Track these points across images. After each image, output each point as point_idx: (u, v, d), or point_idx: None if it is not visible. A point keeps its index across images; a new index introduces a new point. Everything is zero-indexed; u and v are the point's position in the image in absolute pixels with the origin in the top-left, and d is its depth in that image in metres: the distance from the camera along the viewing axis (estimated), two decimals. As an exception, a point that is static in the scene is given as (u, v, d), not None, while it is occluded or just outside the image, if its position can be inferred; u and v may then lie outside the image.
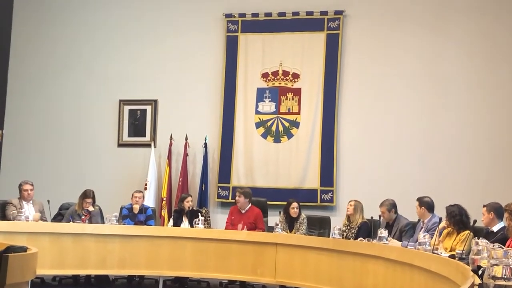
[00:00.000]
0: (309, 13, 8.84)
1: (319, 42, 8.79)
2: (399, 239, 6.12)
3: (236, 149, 8.95)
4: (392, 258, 5.48)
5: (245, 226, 7.26)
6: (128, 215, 7.63)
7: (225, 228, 7.58)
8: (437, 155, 8.29)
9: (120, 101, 9.39)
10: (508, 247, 4.41)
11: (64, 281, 7.51)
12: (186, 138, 9.00)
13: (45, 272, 6.81)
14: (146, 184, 8.87)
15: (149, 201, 8.65)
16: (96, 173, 9.25)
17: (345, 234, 6.81)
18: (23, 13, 9.71)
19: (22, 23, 9.67)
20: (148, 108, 9.33)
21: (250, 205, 7.54)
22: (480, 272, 3.63)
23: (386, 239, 5.86)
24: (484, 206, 5.33)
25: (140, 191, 7.97)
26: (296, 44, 8.88)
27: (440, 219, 5.84)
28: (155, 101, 9.33)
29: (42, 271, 6.27)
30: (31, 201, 7.41)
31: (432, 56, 8.43)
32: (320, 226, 7.57)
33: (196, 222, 7.26)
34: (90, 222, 7.32)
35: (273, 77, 8.94)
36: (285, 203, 7.49)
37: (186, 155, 9.00)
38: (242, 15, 9.08)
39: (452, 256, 4.81)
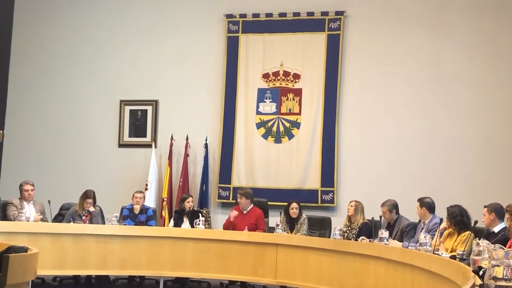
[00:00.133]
0: (310, 13, 8.84)
1: (320, 43, 8.78)
2: (401, 239, 6.12)
3: (237, 150, 8.95)
4: (393, 258, 5.49)
5: (246, 227, 7.27)
6: (129, 216, 7.63)
7: (224, 224, 7.58)
8: (437, 155, 8.29)
9: (121, 101, 9.39)
10: (509, 247, 4.42)
11: (65, 282, 7.51)
12: (187, 139, 9.00)
13: (46, 273, 6.81)
14: (146, 185, 8.87)
15: (150, 201, 8.66)
16: (97, 173, 9.24)
17: (346, 234, 6.81)
18: (24, 14, 9.70)
19: (22, 24, 9.66)
20: (149, 109, 9.34)
21: (252, 205, 7.54)
22: (481, 273, 3.63)
23: (387, 240, 5.86)
24: (485, 206, 5.33)
25: (141, 192, 7.97)
26: (297, 45, 8.87)
27: (441, 220, 5.83)
28: (156, 101, 9.33)
29: (42, 272, 6.25)
30: (31, 202, 7.41)
31: (432, 56, 8.43)
32: (321, 227, 7.57)
33: (197, 223, 7.27)
34: (91, 222, 7.33)
35: (273, 78, 8.94)
36: (285, 203, 7.49)
37: (186, 155, 9.00)
38: (243, 15, 9.08)
39: (453, 257, 4.80)
